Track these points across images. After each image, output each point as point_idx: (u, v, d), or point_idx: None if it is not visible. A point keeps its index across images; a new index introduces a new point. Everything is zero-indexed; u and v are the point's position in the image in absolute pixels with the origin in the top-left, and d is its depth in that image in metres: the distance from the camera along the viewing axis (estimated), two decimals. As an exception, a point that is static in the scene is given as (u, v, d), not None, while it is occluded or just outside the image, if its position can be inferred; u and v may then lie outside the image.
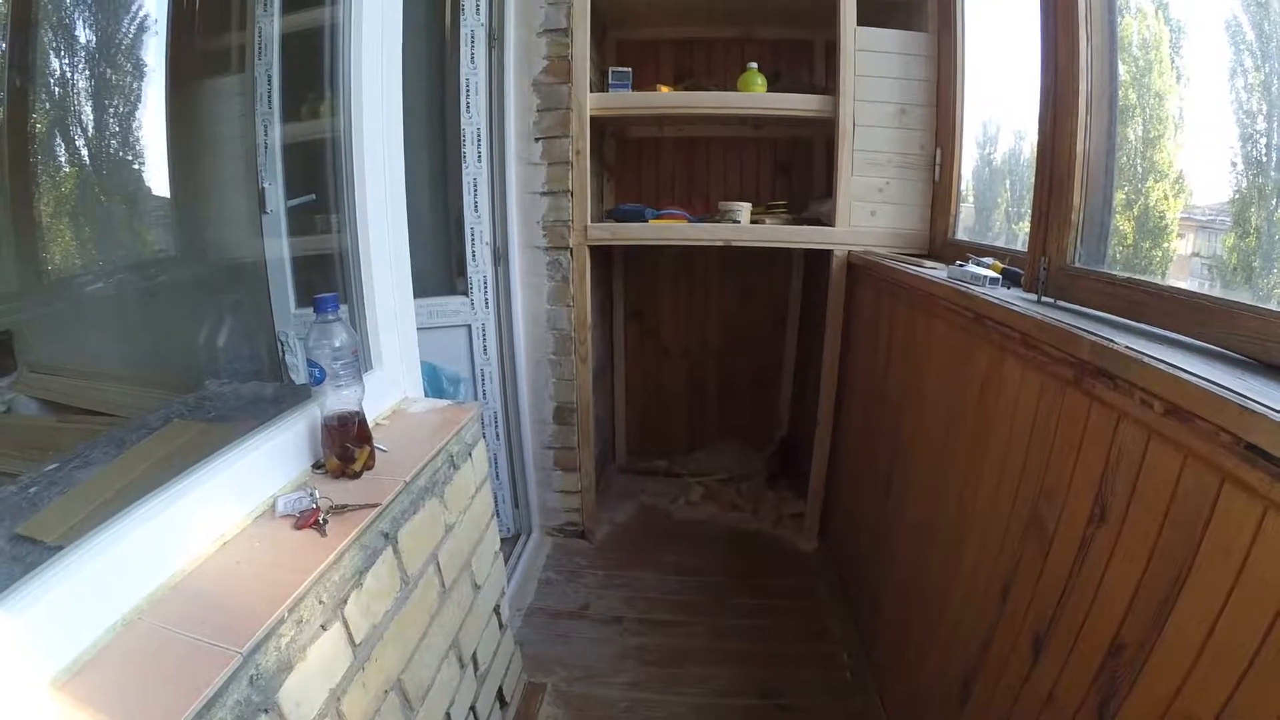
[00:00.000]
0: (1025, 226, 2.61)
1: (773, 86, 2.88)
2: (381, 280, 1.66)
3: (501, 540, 2.01)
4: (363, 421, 1.29)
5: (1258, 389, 0.90)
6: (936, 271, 2.05)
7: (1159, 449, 0.99)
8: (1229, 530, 0.85)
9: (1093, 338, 1.13)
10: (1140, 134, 1.78)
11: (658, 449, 3.97)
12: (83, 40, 2.11)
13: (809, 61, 3.35)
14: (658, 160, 3.58)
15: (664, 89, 2.95)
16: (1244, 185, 1.46)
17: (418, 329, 1.84)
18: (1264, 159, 1.42)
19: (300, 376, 2.45)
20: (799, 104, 2.74)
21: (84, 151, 2.24)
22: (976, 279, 1.77)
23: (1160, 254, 1.69)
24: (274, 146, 2.32)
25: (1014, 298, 1.63)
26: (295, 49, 2.28)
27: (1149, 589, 0.98)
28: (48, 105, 2.09)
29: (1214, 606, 0.86)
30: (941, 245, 2.62)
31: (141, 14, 2.24)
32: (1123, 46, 1.73)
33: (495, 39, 2.66)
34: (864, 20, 2.61)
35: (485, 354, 2.84)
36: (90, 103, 2.19)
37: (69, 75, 2.11)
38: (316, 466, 1.33)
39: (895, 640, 2.08)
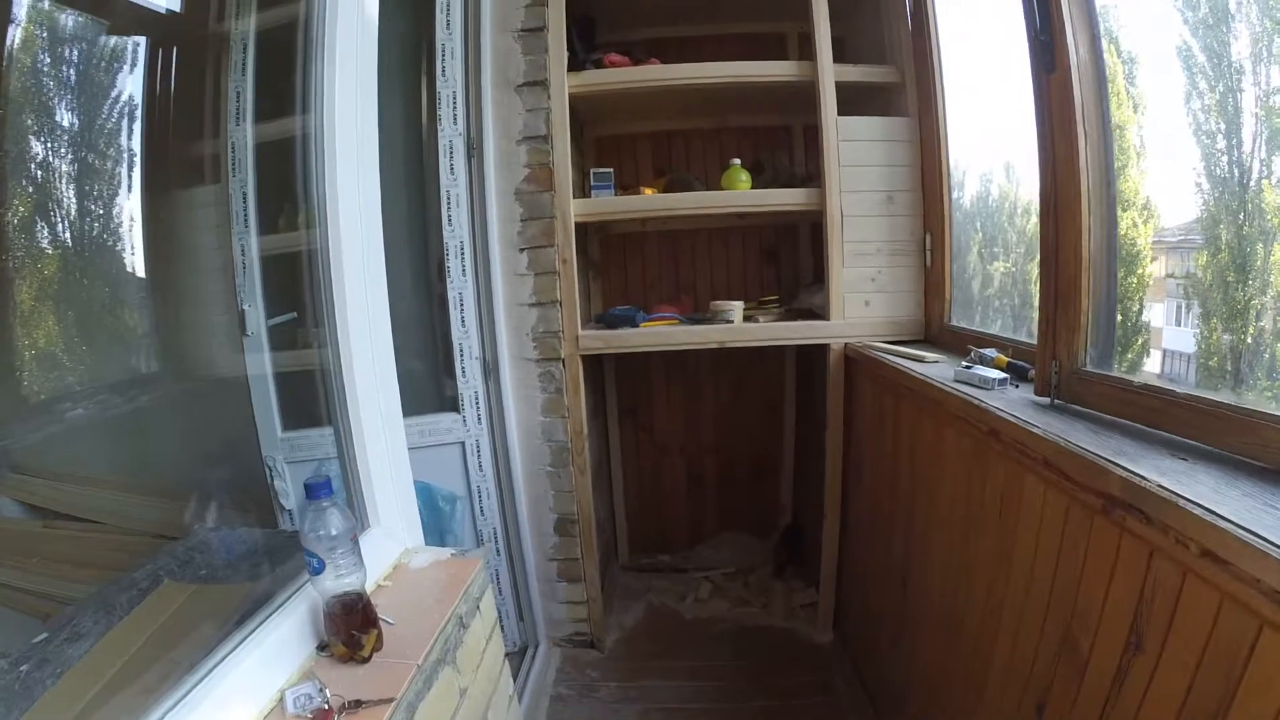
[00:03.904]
0: (1000, 266, 2.61)
1: (756, 178, 2.88)
2: (370, 420, 1.57)
3: (508, 654, 1.91)
4: (367, 604, 1.22)
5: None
6: (939, 368, 2.02)
7: (1195, 586, 0.97)
8: (1268, 670, 0.84)
9: (1123, 473, 1.09)
10: (1105, 166, 1.86)
11: (660, 544, 3.89)
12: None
13: (789, 146, 3.38)
14: (643, 255, 3.56)
15: (647, 190, 2.92)
16: (1211, 203, 1.52)
17: (409, 449, 1.75)
18: (1227, 176, 1.47)
19: (290, 502, 2.39)
20: (786, 199, 2.73)
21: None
22: (985, 381, 1.74)
23: (1135, 280, 1.72)
24: (252, 266, 2.27)
25: (1025, 402, 1.61)
26: (270, 158, 2.25)
27: (1189, 720, 0.95)
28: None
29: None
30: (938, 330, 2.61)
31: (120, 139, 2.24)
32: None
33: (474, 149, 2.64)
34: (844, 109, 2.62)
35: (480, 470, 2.77)
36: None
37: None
38: (321, 648, 1.25)
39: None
